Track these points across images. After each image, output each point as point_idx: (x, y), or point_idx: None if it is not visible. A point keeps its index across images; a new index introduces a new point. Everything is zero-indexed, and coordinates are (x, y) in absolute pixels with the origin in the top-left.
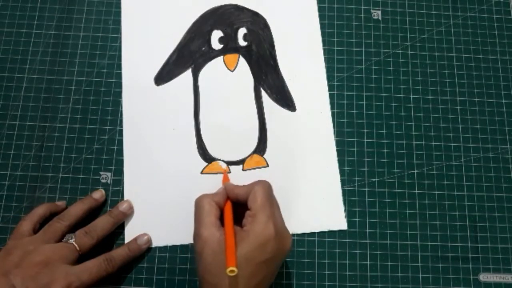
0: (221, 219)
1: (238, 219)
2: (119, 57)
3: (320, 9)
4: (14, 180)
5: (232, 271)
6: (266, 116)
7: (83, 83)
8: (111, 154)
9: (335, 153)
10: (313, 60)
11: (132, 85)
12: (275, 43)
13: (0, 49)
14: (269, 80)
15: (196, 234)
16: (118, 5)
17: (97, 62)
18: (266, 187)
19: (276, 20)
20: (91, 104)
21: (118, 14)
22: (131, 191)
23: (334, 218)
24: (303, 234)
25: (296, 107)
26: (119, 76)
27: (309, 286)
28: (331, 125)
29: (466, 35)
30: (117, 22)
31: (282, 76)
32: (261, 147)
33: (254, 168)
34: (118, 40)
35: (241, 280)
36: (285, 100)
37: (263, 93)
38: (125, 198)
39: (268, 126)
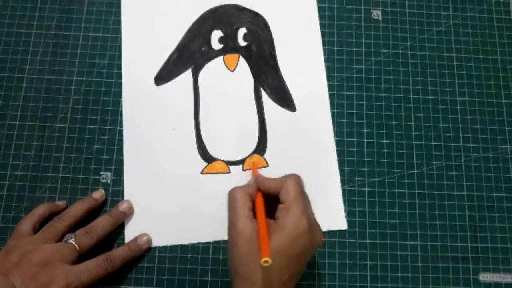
0: (253, 210)
1: (268, 211)
2: (119, 57)
3: (320, 9)
4: (14, 180)
5: (266, 261)
6: (266, 116)
7: (83, 83)
8: (111, 154)
9: (335, 153)
10: (313, 60)
11: (132, 85)
12: (275, 43)
13: (0, 49)
14: (269, 80)
15: (231, 226)
16: (118, 5)
17: (97, 62)
18: (298, 181)
19: (276, 20)
20: (91, 104)
21: (118, 14)
22: (131, 191)
23: (334, 218)
24: None
25: (296, 107)
26: (119, 76)
27: (309, 286)
28: (331, 125)
29: (466, 35)
30: (117, 22)
31: (282, 76)
32: (261, 147)
33: None
34: (118, 40)
35: (273, 273)
36: (285, 100)
37: (263, 93)
38: (125, 198)
39: (268, 126)
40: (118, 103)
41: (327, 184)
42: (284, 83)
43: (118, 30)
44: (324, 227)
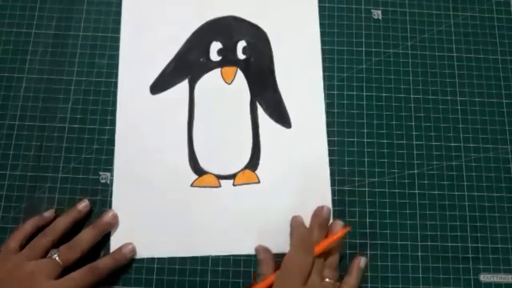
0: None
1: None
2: (119, 57)
3: (321, 9)
4: (13, 180)
5: None
6: (261, 131)
7: (82, 83)
8: (110, 154)
9: (328, 174)
10: (312, 77)
11: (127, 93)
12: (274, 58)
13: (0, 49)
14: (266, 95)
15: None
16: (118, 5)
17: (96, 62)
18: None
19: (277, 34)
20: (90, 104)
21: (118, 13)
22: (119, 199)
23: None
24: None
25: (292, 124)
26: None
27: None
28: (326, 145)
29: (467, 34)
30: (117, 21)
31: (279, 92)
32: (253, 162)
33: (245, 184)
34: (117, 40)
35: None
36: (281, 117)
37: (259, 108)
38: (113, 207)
39: (262, 142)
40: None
41: (318, 204)
42: (281, 99)
43: (118, 30)
44: None
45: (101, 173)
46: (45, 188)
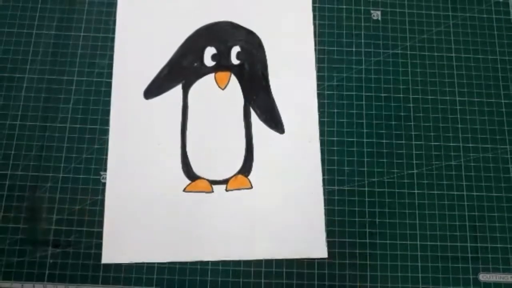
0: None
1: None
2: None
3: (320, 9)
4: (14, 180)
5: None
6: (254, 136)
7: (83, 83)
8: None
9: (320, 181)
10: (305, 83)
11: (120, 97)
12: (268, 64)
13: (1, 49)
14: (260, 100)
15: None
16: None
17: (97, 62)
18: None
19: (272, 39)
20: (91, 104)
21: None
22: (112, 203)
23: (315, 246)
24: None
25: (285, 130)
26: None
27: (309, 286)
28: (319, 151)
29: (466, 35)
30: None
31: (273, 97)
32: (246, 167)
33: (237, 189)
34: None
35: None
36: (274, 122)
37: (252, 113)
38: (105, 210)
39: (255, 147)
40: None
41: (311, 210)
42: (275, 104)
43: None
44: (304, 254)
45: (102, 173)
46: (46, 188)
